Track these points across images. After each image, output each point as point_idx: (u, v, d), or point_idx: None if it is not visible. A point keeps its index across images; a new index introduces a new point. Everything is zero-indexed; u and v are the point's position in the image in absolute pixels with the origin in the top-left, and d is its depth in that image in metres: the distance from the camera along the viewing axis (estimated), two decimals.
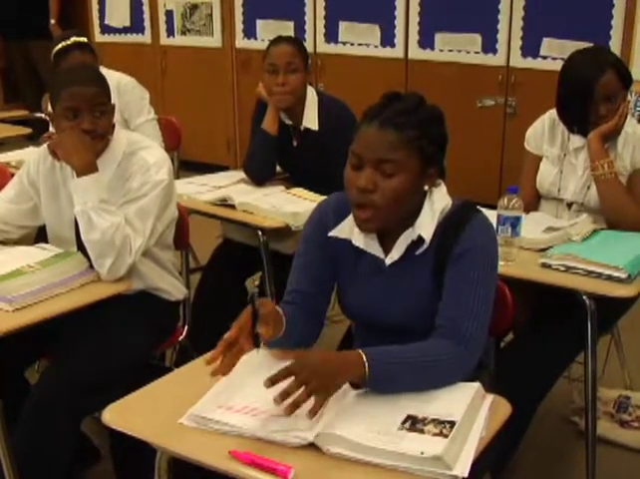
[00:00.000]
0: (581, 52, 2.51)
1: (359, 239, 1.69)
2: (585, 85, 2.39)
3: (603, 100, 2.40)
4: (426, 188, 1.63)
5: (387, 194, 1.56)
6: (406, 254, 1.66)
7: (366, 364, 1.45)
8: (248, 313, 1.49)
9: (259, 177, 3.06)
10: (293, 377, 1.38)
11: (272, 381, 1.39)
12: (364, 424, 1.37)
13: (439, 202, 1.65)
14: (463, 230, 1.61)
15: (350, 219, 1.67)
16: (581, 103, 2.42)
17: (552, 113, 2.60)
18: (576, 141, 2.53)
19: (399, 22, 4.94)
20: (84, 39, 3.32)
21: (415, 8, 4.87)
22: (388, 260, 1.67)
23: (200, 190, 2.98)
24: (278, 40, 2.97)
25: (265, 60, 2.93)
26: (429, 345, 1.55)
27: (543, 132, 2.61)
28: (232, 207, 2.77)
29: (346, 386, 1.49)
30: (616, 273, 2.07)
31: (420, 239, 1.63)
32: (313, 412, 1.37)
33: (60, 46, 3.25)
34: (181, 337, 2.47)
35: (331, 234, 1.71)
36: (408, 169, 1.57)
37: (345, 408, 1.43)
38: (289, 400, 1.37)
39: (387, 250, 1.68)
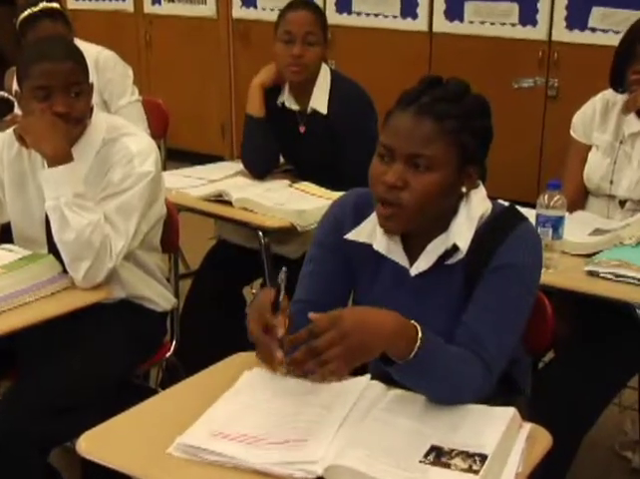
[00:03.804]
0: None
1: (381, 244, 1.69)
2: (633, 34, 2.44)
3: None
4: (463, 189, 1.63)
5: (418, 192, 1.56)
6: (434, 264, 1.66)
7: (418, 343, 1.46)
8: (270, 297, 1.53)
9: (258, 168, 3.07)
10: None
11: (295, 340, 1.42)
12: (381, 455, 1.37)
13: (477, 206, 1.65)
14: (503, 240, 1.61)
15: (370, 220, 1.68)
16: (623, 53, 2.46)
17: (605, 94, 2.59)
18: (633, 125, 2.51)
19: None
20: (55, 5, 3.31)
21: None
22: (413, 271, 1.68)
23: (192, 183, 2.99)
24: (297, 4, 2.95)
25: (279, 27, 2.91)
26: (466, 355, 1.56)
27: (594, 117, 2.60)
28: (229, 203, 2.78)
29: (366, 407, 1.51)
30: None
31: (453, 248, 1.64)
32: (334, 373, 1.40)
33: (26, 13, 3.24)
34: (169, 354, 2.48)
35: (348, 236, 1.72)
36: (445, 165, 1.56)
37: (359, 436, 1.43)
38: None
39: (412, 258, 1.68)
